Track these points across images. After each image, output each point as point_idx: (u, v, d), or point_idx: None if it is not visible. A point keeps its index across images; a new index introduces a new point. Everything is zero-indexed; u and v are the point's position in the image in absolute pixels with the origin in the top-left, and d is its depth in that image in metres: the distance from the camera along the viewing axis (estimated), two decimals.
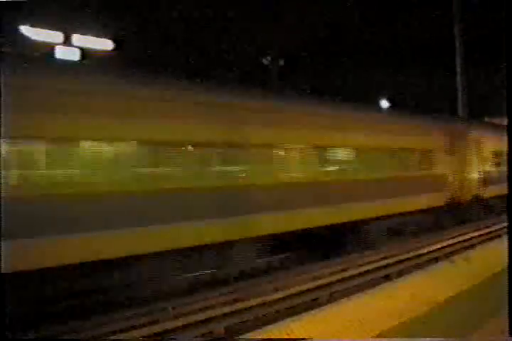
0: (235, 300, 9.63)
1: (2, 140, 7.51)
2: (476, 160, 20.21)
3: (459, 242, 16.26)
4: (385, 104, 37.76)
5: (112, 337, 7.93)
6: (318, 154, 13.02)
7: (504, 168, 17.68)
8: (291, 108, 12.63)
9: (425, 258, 13.97)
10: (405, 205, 15.89)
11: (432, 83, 38.54)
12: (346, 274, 11.80)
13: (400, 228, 16.42)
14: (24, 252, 7.71)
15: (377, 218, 14.80)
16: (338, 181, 13.51)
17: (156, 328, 8.27)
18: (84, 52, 14.66)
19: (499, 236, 16.43)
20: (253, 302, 9.58)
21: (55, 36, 14.48)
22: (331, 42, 35.90)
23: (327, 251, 13.58)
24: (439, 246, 15.37)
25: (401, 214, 15.81)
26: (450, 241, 16.10)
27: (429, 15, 34.29)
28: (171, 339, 8.15)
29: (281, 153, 12.35)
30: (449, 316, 8.04)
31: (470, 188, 19.74)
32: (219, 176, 10.74)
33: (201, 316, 8.81)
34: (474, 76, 33.42)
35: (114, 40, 15.76)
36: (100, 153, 8.99)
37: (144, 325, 8.32)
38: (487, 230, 18.28)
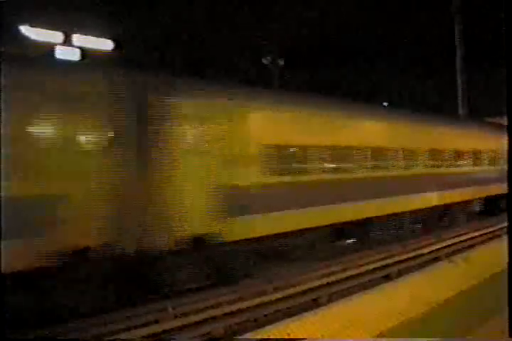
0: (235, 300, 9.63)
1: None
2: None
3: (459, 242, 16.26)
4: (384, 104, 37.77)
5: (112, 337, 7.93)
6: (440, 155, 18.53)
7: None
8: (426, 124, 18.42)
9: (425, 258, 13.96)
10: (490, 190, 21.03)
11: (432, 83, 38.55)
12: (346, 274, 11.80)
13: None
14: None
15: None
16: (454, 173, 19.34)
17: (156, 328, 8.27)
18: (84, 52, 14.66)
19: (499, 236, 16.44)
20: (253, 302, 9.59)
21: (55, 36, 14.48)
22: (331, 42, 35.88)
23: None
24: (439, 246, 15.37)
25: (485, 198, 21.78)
26: (450, 241, 16.10)
27: (429, 15, 34.29)
28: (171, 339, 8.15)
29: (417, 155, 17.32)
30: (448, 316, 8.04)
31: None
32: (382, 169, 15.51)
33: (201, 316, 8.81)
34: (474, 76, 33.42)
35: (114, 40, 15.76)
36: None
37: (144, 325, 8.33)
38: (487, 230, 18.28)
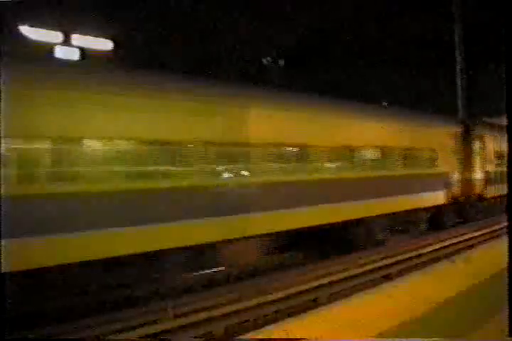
0: (235, 300, 9.63)
1: None
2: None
3: (459, 242, 16.26)
4: (384, 104, 37.74)
5: (112, 337, 7.93)
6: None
7: None
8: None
9: (425, 258, 13.96)
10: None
11: (432, 83, 38.55)
12: (346, 274, 11.80)
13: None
14: None
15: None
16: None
17: (156, 328, 8.27)
18: (84, 52, 14.66)
19: (499, 236, 16.44)
20: (253, 302, 9.58)
21: (55, 36, 14.47)
22: (330, 42, 35.86)
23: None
24: (439, 246, 15.37)
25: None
26: (450, 241, 16.10)
27: (429, 14, 34.29)
28: (171, 339, 8.15)
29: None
30: (448, 316, 8.03)
31: None
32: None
33: (201, 316, 8.81)
34: (474, 76, 33.42)
35: (114, 40, 15.76)
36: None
37: (144, 325, 8.33)
38: (487, 230, 18.27)
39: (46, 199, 8.12)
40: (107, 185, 8.84)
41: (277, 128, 11.75)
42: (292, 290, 10.37)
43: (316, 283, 10.91)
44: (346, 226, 14.00)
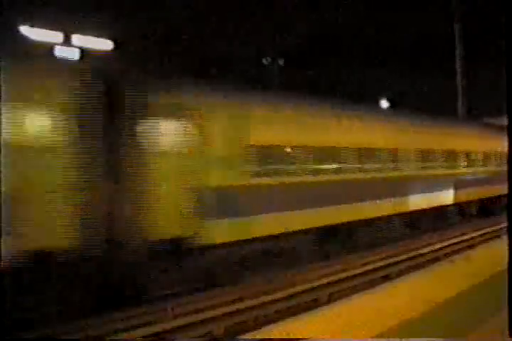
0: (235, 300, 9.63)
1: None
2: None
3: (459, 242, 16.26)
4: (384, 104, 37.74)
5: (112, 337, 7.93)
6: None
7: None
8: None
9: (425, 258, 13.96)
10: None
11: (432, 83, 38.54)
12: (346, 274, 11.80)
13: None
14: None
15: None
16: None
17: (156, 328, 8.27)
18: (84, 52, 14.67)
19: (499, 236, 16.44)
20: (253, 302, 9.58)
21: (55, 36, 14.48)
22: (330, 42, 35.87)
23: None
24: (439, 246, 15.37)
25: None
26: (450, 241, 16.11)
27: (429, 14, 34.29)
28: (171, 339, 8.15)
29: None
30: (448, 316, 8.03)
31: None
32: None
33: (201, 316, 8.81)
34: (474, 76, 33.42)
35: (114, 40, 15.77)
36: None
37: (144, 325, 8.33)
38: (487, 230, 18.28)
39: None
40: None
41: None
42: (292, 290, 10.38)
43: (316, 283, 10.92)
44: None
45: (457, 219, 20.73)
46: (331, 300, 10.13)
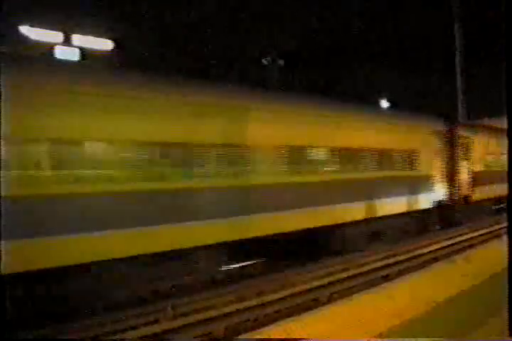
0: (235, 300, 9.63)
1: None
2: None
3: (459, 242, 16.26)
4: (384, 104, 37.75)
5: (112, 337, 7.93)
6: None
7: None
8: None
9: (425, 258, 13.96)
10: None
11: (432, 83, 38.56)
12: (346, 274, 11.81)
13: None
14: None
15: None
16: None
17: (156, 328, 8.28)
18: (84, 52, 14.66)
19: (499, 236, 16.45)
20: (253, 302, 9.59)
21: (55, 36, 14.48)
22: (330, 42, 35.87)
23: None
24: (439, 246, 15.38)
25: None
26: (450, 241, 16.11)
27: (429, 14, 34.30)
28: (171, 339, 8.15)
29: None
30: (448, 316, 8.03)
31: None
32: None
33: (201, 316, 8.81)
34: (474, 76, 33.44)
35: (114, 40, 15.77)
36: None
37: (144, 325, 8.33)
38: (487, 230, 18.29)
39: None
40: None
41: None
42: (292, 290, 10.39)
43: (316, 283, 10.92)
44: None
45: None
46: (331, 300, 10.13)
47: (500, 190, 18.27)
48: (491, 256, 12.53)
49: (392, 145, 16.00)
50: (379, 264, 12.87)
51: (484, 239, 16.84)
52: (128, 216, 9.15)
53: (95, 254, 8.62)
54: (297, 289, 10.50)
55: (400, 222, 16.69)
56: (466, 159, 20.36)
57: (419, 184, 17.37)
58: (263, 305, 9.60)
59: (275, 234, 11.72)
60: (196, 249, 10.30)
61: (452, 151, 19.38)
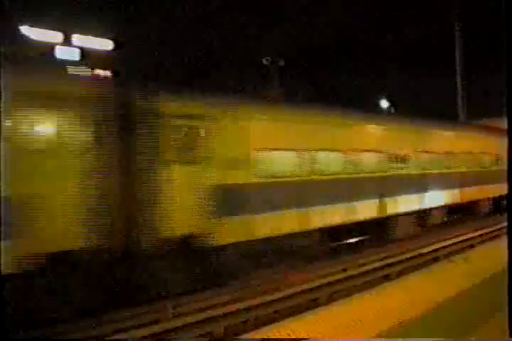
0: (235, 300, 9.63)
1: None
2: None
3: (459, 242, 16.27)
4: (384, 104, 37.76)
5: (112, 337, 7.93)
6: None
7: None
8: None
9: (425, 258, 13.96)
10: None
11: (432, 83, 38.57)
12: (346, 274, 11.81)
13: None
14: None
15: None
16: None
17: (156, 328, 8.28)
18: (84, 52, 14.67)
19: (499, 236, 16.46)
20: (253, 302, 9.58)
21: (55, 36, 14.49)
22: (330, 42, 35.87)
23: None
24: (438, 246, 15.38)
25: None
26: (450, 241, 16.11)
27: (429, 15, 34.31)
28: (171, 339, 8.15)
29: None
30: (448, 316, 8.03)
31: None
32: None
33: (201, 316, 8.81)
34: (474, 76, 33.46)
35: (114, 40, 15.78)
36: None
37: (144, 325, 8.33)
38: (487, 230, 18.28)
39: None
40: None
41: None
42: (292, 290, 10.39)
43: (316, 283, 10.92)
44: None
45: None
46: (331, 300, 10.13)
47: None
48: (490, 256, 12.54)
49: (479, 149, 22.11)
50: (379, 264, 12.87)
51: (484, 239, 16.84)
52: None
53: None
54: (297, 289, 10.49)
55: None
56: None
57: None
58: (263, 305, 9.60)
59: None
60: None
61: None
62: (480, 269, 11.10)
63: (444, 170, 19.20)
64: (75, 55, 14.45)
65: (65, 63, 13.39)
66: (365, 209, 14.90)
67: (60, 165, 8.19)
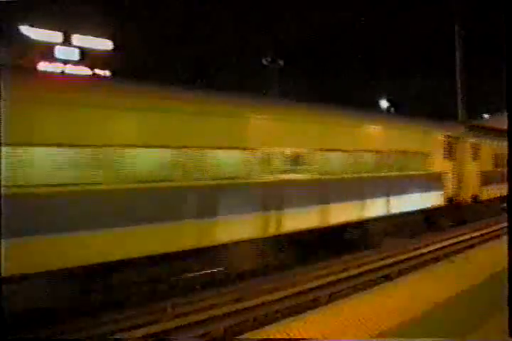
0: (235, 300, 9.63)
1: None
2: None
3: (459, 242, 16.26)
4: (384, 104, 37.77)
5: (112, 337, 7.93)
6: None
7: None
8: None
9: (425, 258, 13.96)
10: None
11: (431, 83, 38.57)
12: (346, 274, 11.80)
13: None
14: None
15: None
16: None
17: (156, 328, 8.28)
18: (84, 52, 14.66)
19: (499, 236, 16.46)
20: (253, 302, 9.58)
21: (55, 36, 14.49)
22: (330, 42, 35.87)
23: None
24: (438, 246, 15.37)
25: None
26: (450, 241, 16.10)
27: (429, 14, 34.31)
28: (171, 339, 8.15)
29: None
30: (448, 316, 8.04)
31: None
32: None
33: (200, 316, 8.81)
34: (473, 74, 33.44)
35: (114, 40, 15.77)
36: None
37: (143, 325, 8.33)
38: (487, 230, 18.28)
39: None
40: None
41: None
42: (292, 290, 10.39)
43: (316, 283, 10.92)
44: None
45: None
46: (331, 300, 10.13)
47: None
48: (490, 256, 12.54)
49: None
50: (379, 264, 12.86)
51: (484, 239, 16.84)
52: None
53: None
54: (297, 289, 10.49)
55: None
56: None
57: None
58: (263, 305, 9.60)
59: None
60: None
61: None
62: (479, 269, 11.10)
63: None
64: (74, 54, 14.45)
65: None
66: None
67: None
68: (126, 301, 9.28)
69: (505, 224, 16.47)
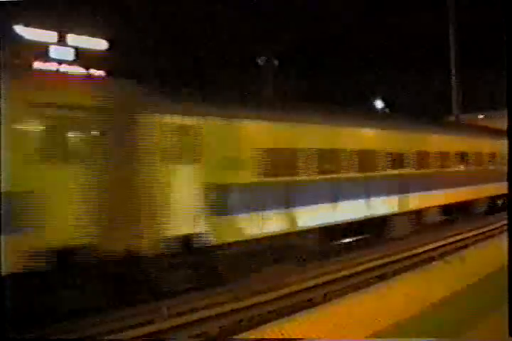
0: (230, 300, 9.61)
1: None
2: None
3: (454, 242, 16.28)
4: (379, 104, 37.81)
5: (107, 337, 7.91)
6: None
7: None
8: None
9: (420, 258, 13.97)
10: None
11: (426, 82, 38.64)
12: (341, 274, 11.80)
13: None
14: None
15: None
16: None
17: (151, 328, 8.25)
18: (79, 51, 14.62)
19: (494, 236, 16.50)
20: (248, 302, 9.57)
21: (49, 36, 14.45)
22: (326, 42, 35.89)
23: None
24: (433, 246, 15.38)
25: None
26: (445, 241, 16.12)
27: (424, 14, 34.38)
28: (166, 339, 8.13)
29: None
30: (443, 316, 8.04)
31: None
32: None
33: (196, 316, 8.79)
34: (469, 73, 33.55)
35: (109, 40, 15.74)
36: None
37: (138, 325, 8.30)
38: (482, 230, 18.31)
39: None
40: None
41: None
42: (287, 290, 10.38)
43: (311, 283, 10.91)
44: None
45: None
46: (326, 299, 10.12)
47: None
48: (485, 255, 12.56)
49: None
50: (374, 264, 12.87)
51: (479, 239, 16.86)
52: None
53: None
54: (292, 289, 10.48)
55: None
56: None
57: None
58: (258, 304, 9.58)
59: None
60: None
61: None
62: (475, 269, 11.12)
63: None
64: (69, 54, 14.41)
65: None
66: None
67: None
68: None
69: (500, 224, 16.52)
